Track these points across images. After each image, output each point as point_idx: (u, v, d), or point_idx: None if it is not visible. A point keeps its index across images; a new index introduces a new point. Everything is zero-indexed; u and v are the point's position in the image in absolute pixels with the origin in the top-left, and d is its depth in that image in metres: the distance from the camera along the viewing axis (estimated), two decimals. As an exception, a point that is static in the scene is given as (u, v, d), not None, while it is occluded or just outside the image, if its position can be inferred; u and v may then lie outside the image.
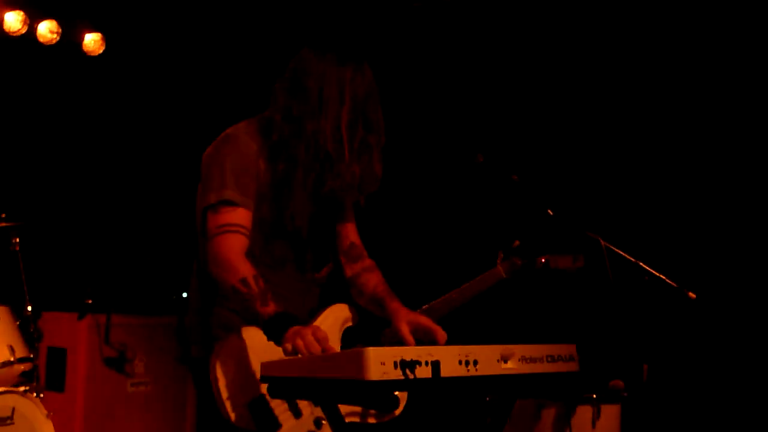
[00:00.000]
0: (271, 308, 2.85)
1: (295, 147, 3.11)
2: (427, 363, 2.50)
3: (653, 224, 5.83)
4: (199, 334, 3.16)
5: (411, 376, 2.44)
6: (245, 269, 2.93)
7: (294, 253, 3.27)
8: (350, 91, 3.12)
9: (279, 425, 2.94)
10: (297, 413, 3.00)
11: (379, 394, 2.45)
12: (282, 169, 3.13)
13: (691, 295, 4.41)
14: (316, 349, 2.67)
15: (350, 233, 3.46)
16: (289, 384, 2.69)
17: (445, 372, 2.54)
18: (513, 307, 5.75)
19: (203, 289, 3.19)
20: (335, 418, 2.69)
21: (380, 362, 2.39)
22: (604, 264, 4.51)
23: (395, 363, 2.43)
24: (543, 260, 4.57)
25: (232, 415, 2.90)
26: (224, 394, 2.91)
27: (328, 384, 2.53)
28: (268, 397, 2.88)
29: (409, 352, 2.48)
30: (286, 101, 3.15)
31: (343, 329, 3.29)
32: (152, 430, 6.17)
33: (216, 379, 2.92)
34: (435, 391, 2.65)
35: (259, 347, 2.96)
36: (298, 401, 3.01)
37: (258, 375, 2.81)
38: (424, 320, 3.14)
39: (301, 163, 3.11)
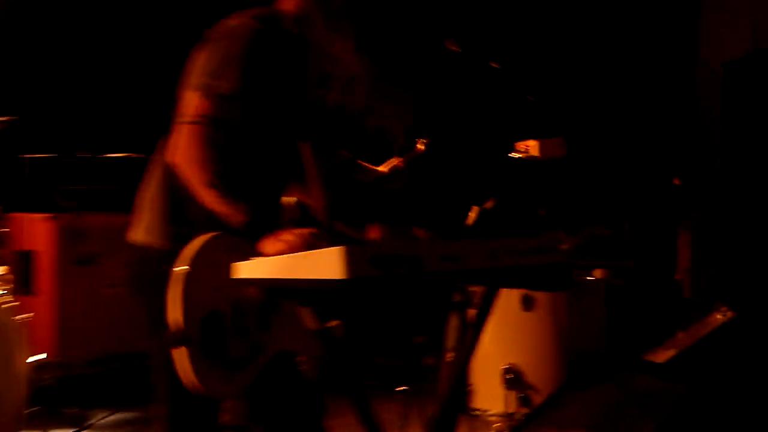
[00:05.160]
0: (246, 207, 2.70)
1: (305, 57, 2.97)
2: (407, 258, 2.35)
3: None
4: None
5: (391, 272, 2.30)
6: (218, 167, 2.72)
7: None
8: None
9: (226, 346, 2.65)
10: (243, 333, 2.71)
11: (357, 292, 2.30)
12: (288, 76, 2.95)
13: (676, 181, 4.43)
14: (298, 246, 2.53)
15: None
16: (265, 287, 2.58)
17: (427, 267, 2.38)
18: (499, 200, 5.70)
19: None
20: (318, 324, 2.52)
21: (356, 259, 2.25)
22: (588, 151, 4.50)
23: (373, 259, 2.28)
24: None
25: (178, 324, 2.58)
26: (180, 300, 2.58)
27: (303, 285, 2.37)
28: (221, 314, 2.65)
29: (388, 247, 2.34)
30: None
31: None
32: (132, 332, 6.06)
33: (176, 284, 2.59)
34: (416, 286, 2.54)
35: (230, 253, 2.68)
36: (247, 323, 2.72)
37: (221, 285, 2.61)
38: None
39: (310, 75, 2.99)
